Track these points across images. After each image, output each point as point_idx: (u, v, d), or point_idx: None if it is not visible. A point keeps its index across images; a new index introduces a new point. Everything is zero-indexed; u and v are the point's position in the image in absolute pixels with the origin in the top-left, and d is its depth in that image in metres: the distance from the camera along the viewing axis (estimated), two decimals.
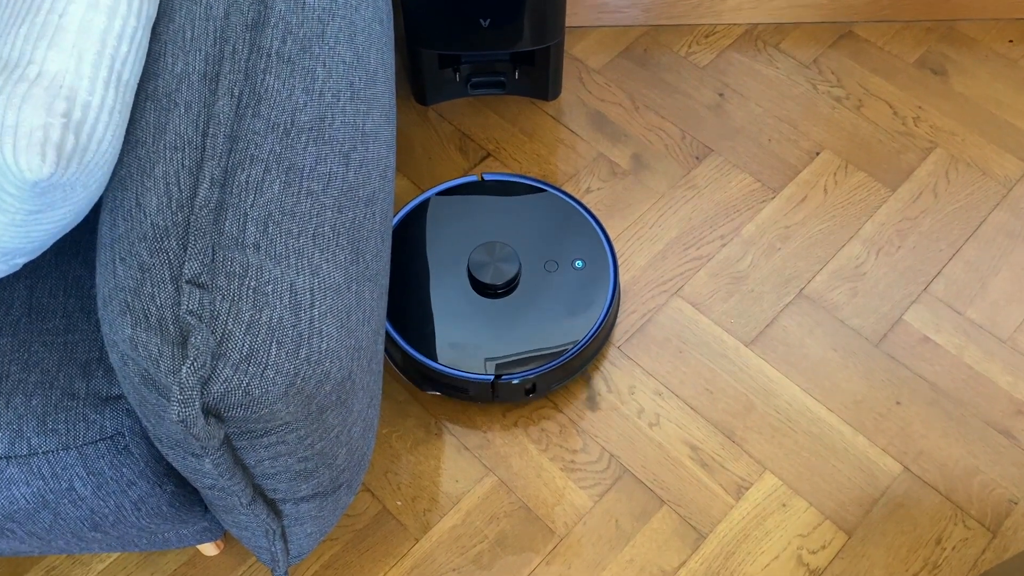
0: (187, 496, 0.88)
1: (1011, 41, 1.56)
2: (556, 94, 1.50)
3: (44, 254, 0.83)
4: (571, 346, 1.14)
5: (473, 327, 1.16)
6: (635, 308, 1.30)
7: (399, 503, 1.15)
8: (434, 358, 1.13)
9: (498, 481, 1.16)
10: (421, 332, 1.15)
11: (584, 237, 1.23)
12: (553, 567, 1.10)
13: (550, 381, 1.17)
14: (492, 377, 1.12)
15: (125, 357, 0.66)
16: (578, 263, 1.20)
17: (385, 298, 0.92)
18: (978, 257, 1.34)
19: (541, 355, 1.14)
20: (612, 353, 1.26)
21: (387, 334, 1.14)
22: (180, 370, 0.61)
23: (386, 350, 1.18)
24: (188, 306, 0.64)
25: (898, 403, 1.21)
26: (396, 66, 1.54)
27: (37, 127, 0.61)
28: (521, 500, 1.15)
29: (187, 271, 0.65)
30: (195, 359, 0.61)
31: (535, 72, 1.46)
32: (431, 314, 1.16)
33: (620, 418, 1.21)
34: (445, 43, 1.38)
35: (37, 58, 0.65)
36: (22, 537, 0.83)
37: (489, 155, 1.45)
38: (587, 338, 1.15)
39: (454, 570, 1.10)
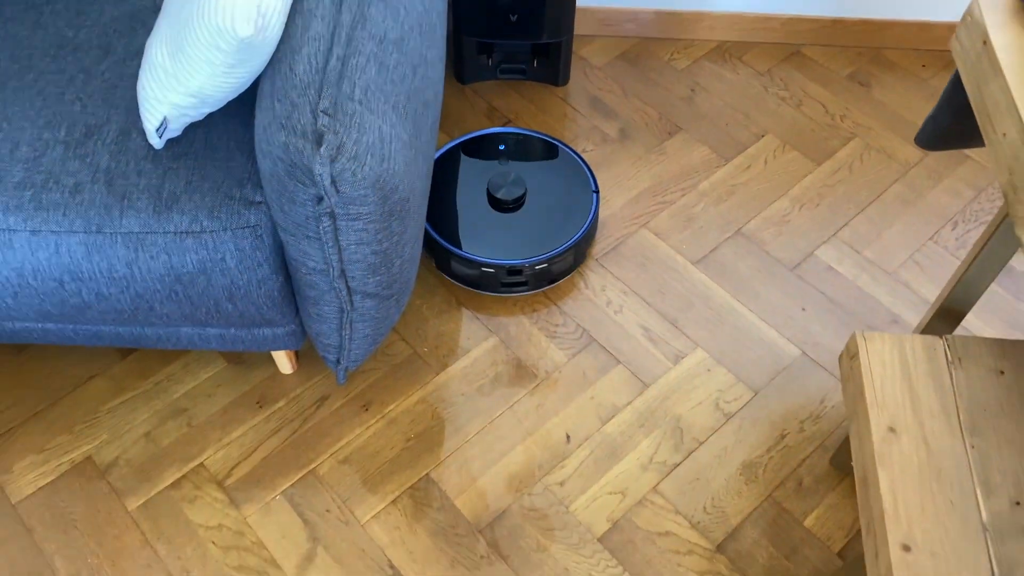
0: (288, 294, 1.29)
1: (924, 65, 2.00)
2: (565, 81, 1.94)
3: (214, 113, 1.26)
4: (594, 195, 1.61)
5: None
6: (611, 234, 1.71)
7: (425, 349, 1.55)
8: (549, 250, 1.56)
9: (499, 341, 1.57)
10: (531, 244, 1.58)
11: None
12: (535, 398, 1.50)
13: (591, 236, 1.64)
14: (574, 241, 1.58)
15: (276, 159, 1.09)
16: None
17: (428, 182, 1.34)
18: (878, 215, 1.74)
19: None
20: (591, 264, 1.67)
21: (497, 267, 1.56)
22: (319, 151, 1.03)
23: (478, 280, 1.59)
24: (321, 124, 1.06)
25: (803, 309, 1.61)
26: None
27: (244, 9, 1.05)
28: (514, 354, 1.55)
29: (321, 106, 1.07)
30: (327, 148, 1.04)
31: (549, 62, 1.91)
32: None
33: (593, 306, 1.61)
34: (482, 32, 1.83)
35: None
36: (181, 301, 1.24)
37: (510, 122, 1.89)
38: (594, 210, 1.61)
39: (463, 394, 1.50)
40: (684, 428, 1.47)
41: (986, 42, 0.85)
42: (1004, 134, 0.80)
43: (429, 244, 1.60)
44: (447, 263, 1.60)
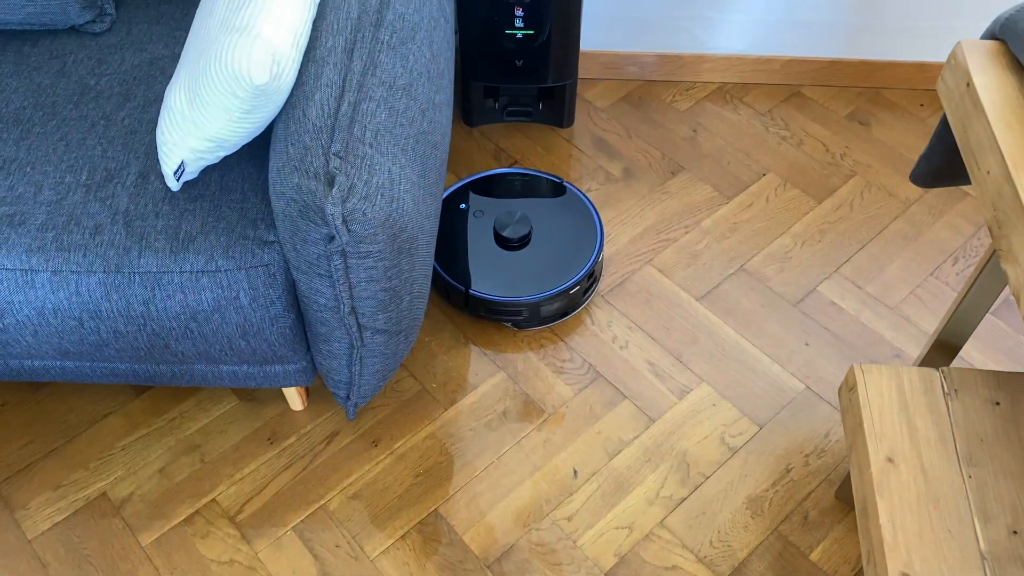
0: (299, 331, 1.32)
1: (922, 105, 2.04)
2: (570, 123, 1.99)
3: (230, 156, 1.30)
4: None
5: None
6: (617, 270, 1.74)
7: (434, 385, 1.58)
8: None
9: (506, 376, 1.59)
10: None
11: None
12: (542, 433, 1.52)
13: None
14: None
15: (290, 200, 1.13)
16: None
17: (436, 221, 1.38)
18: (880, 251, 1.77)
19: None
20: (597, 300, 1.70)
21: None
22: (331, 191, 1.07)
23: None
24: (333, 166, 1.10)
25: (807, 344, 1.64)
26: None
27: (260, 58, 1.10)
28: (522, 389, 1.57)
29: (333, 149, 1.12)
30: (338, 189, 1.07)
31: (554, 105, 1.96)
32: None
33: (599, 342, 1.64)
34: (489, 77, 1.88)
35: (258, 25, 1.14)
36: (196, 338, 1.27)
37: (516, 163, 1.93)
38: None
39: (471, 430, 1.52)
40: (690, 462, 1.49)
41: (969, 84, 0.88)
42: (988, 171, 0.83)
43: (505, 308, 1.60)
44: (535, 313, 1.60)
